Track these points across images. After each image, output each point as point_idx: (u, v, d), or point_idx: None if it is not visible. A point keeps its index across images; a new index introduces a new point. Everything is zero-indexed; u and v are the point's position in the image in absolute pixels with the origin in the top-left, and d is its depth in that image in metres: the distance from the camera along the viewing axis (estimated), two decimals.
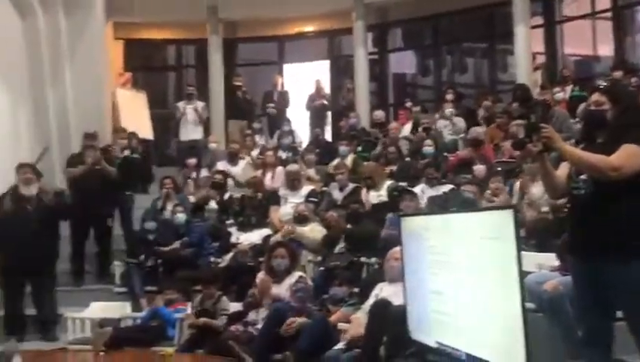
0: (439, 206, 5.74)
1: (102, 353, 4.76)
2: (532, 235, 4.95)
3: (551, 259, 4.16)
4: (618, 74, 7.86)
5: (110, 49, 10.31)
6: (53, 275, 6.11)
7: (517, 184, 5.65)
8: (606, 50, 9.79)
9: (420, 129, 8.46)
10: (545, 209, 5.10)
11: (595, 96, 2.70)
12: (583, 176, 2.61)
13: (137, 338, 5.01)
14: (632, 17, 9.87)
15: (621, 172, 2.45)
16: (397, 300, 3.94)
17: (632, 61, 9.14)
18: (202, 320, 4.88)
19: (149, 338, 5.11)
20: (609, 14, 9.63)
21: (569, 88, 8.13)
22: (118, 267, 6.80)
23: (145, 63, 11.95)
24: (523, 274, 2.41)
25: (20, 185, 5.89)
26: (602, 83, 6.52)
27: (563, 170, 2.77)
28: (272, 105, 9.86)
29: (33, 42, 8.46)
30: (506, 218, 2.39)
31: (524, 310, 2.33)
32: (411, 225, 3.43)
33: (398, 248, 4.08)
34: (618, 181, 2.48)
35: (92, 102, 9.14)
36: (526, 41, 9.29)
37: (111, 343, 4.79)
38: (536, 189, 5.32)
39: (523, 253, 4.46)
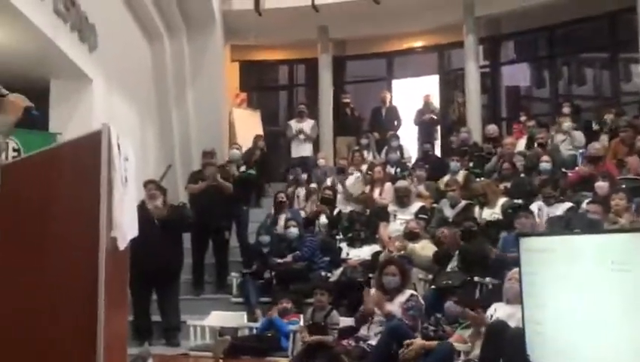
0: (560, 227, 5.49)
1: (221, 361, 5.01)
2: None
3: None
4: None
5: (227, 70, 10.88)
6: (177, 285, 6.51)
7: None
8: None
9: (535, 144, 8.15)
10: None
11: None
12: None
13: (254, 347, 5.22)
14: None
15: None
16: (513, 322, 3.84)
17: None
18: (315, 338, 4.98)
19: (264, 348, 5.31)
20: None
21: None
22: (235, 278, 7.12)
23: (258, 83, 12.46)
24: None
25: (146, 200, 6.34)
26: None
27: None
28: (393, 133, 9.79)
29: (159, 65, 9.11)
30: (636, 241, 2.27)
31: None
32: (531, 245, 3.33)
33: (517, 269, 3.97)
34: None
35: (211, 122, 9.68)
36: None
37: (229, 351, 5.02)
38: None
39: None
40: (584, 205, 5.85)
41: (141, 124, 8.44)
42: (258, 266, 6.80)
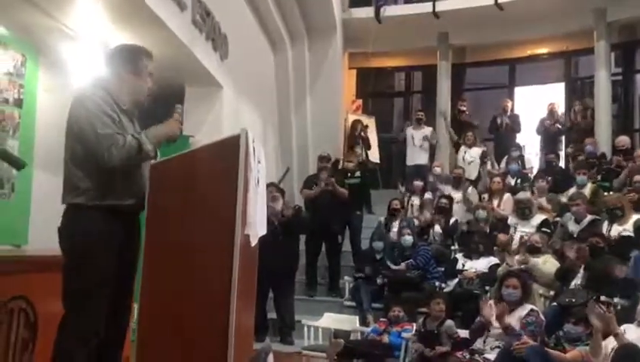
0: None
1: None
2: None
3: None
4: None
5: (345, 78, 11.07)
6: (293, 284, 6.72)
7: None
8: None
9: None
10: None
11: None
12: None
13: (367, 352, 5.26)
14: None
15: None
16: None
17: None
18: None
19: (377, 353, 5.33)
20: None
21: None
22: (347, 282, 7.21)
23: (374, 90, 12.55)
24: None
25: (267, 201, 6.60)
26: None
27: None
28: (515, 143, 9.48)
29: (282, 73, 9.47)
30: None
31: None
32: None
33: None
34: None
35: (328, 127, 9.91)
36: None
37: (343, 354, 5.10)
38: None
39: None
40: None
41: (264, 128, 8.81)
42: (371, 272, 6.84)
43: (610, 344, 3.92)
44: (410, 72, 12.46)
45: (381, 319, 5.96)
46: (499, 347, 4.66)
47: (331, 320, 6.02)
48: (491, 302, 5.10)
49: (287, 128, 9.64)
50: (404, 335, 5.45)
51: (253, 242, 2.82)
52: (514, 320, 4.85)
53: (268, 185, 6.72)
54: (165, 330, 2.66)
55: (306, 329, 5.99)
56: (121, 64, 2.83)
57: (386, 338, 5.53)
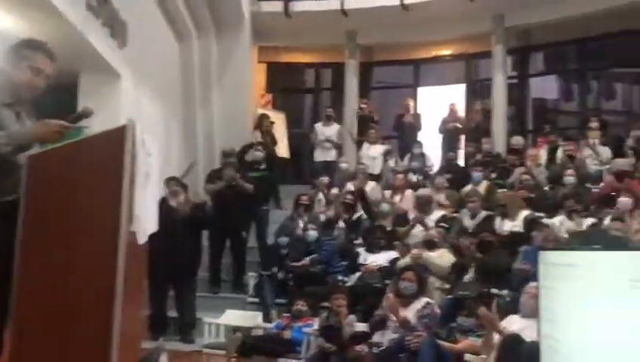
0: (582, 242, 5.42)
1: (233, 359, 5.04)
2: None
3: None
4: None
5: (254, 72, 10.96)
6: (194, 282, 6.57)
7: None
8: None
9: (559, 155, 8.05)
10: None
11: None
12: None
13: (267, 347, 5.23)
14: None
15: None
16: (528, 336, 3.80)
17: None
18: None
19: (277, 349, 5.32)
20: None
21: None
22: (252, 278, 7.15)
23: (284, 85, 12.52)
24: None
25: (168, 196, 6.42)
26: None
27: None
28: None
29: (187, 64, 9.23)
30: None
31: None
32: (550, 259, 3.28)
33: (535, 283, 3.93)
34: None
35: (236, 122, 9.76)
36: None
37: (243, 350, 5.05)
38: None
39: None
40: (607, 221, 5.76)
41: (166, 121, 8.54)
42: (275, 266, 6.82)
43: (497, 335, 4.11)
44: (319, 69, 12.53)
45: (284, 314, 5.96)
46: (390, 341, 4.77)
47: (233, 317, 5.94)
48: (390, 294, 5.23)
49: (193, 121, 9.41)
50: (305, 330, 5.47)
51: (142, 240, 2.70)
52: (411, 312, 4.99)
53: (169, 180, 6.54)
54: (41, 334, 2.49)
55: (207, 326, 5.89)
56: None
57: (288, 334, 5.53)
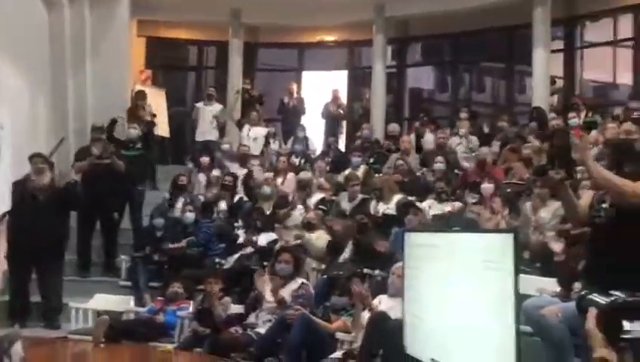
0: (442, 224, 5.76)
1: (101, 344, 4.82)
2: (536, 259, 4.95)
3: (552, 284, 4.17)
4: (635, 103, 7.84)
5: (132, 46, 10.45)
6: (60, 264, 6.19)
7: (525, 206, 5.64)
8: (626, 78, 9.76)
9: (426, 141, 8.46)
10: (551, 233, 5.10)
11: (626, 126, 2.76)
12: (604, 205, 2.64)
13: (138, 332, 5.07)
14: None
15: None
16: (395, 314, 3.98)
17: None
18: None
19: (149, 333, 5.17)
20: (630, 43, 9.60)
21: (583, 114, 8.09)
22: (124, 261, 6.87)
23: (165, 62, 12.08)
24: (519, 299, 2.42)
25: (32, 174, 5.98)
26: (634, 113, 6.48)
27: (586, 199, 2.80)
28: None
29: (57, 34, 8.59)
30: (506, 241, 2.41)
31: (518, 334, 2.34)
32: (414, 241, 3.45)
33: (401, 263, 4.12)
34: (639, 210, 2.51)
35: (111, 97, 9.24)
36: (544, 65, 9.29)
37: (111, 335, 4.85)
38: (545, 213, 5.32)
39: (525, 276, 4.54)
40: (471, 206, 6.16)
41: (32, 94, 7.92)
42: (150, 250, 6.60)
43: (367, 314, 4.26)
44: (203, 46, 12.23)
45: (158, 298, 5.80)
46: (270, 321, 4.81)
47: (103, 301, 5.70)
48: (266, 276, 5.26)
49: (63, 96, 8.79)
50: (179, 313, 5.36)
51: None
52: (287, 293, 5.05)
53: (33, 156, 6.09)
54: None
55: (74, 311, 5.59)
56: None
57: (161, 318, 5.39)
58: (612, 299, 1.49)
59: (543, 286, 4.21)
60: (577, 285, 3.68)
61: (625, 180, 2.54)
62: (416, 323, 3.32)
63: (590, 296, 1.57)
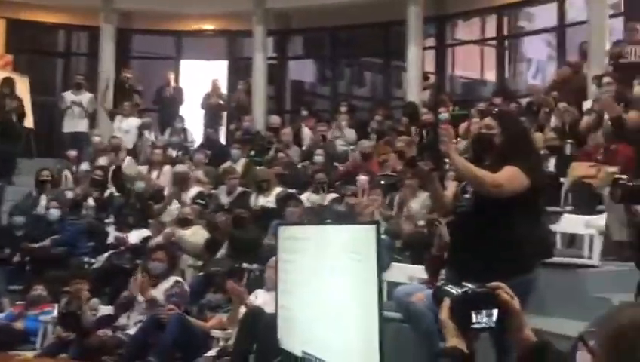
0: (317, 216, 5.82)
1: None
2: (407, 247, 5.12)
3: (422, 272, 4.33)
4: (498, 99, 8.39)
5: None
6: None
7: (397, 197, 5.83)
8: (491, 75, 10.42)
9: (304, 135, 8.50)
10: (421, 223, 5.30)
11: (487, 121, 2.87)
12: (467, 195, 2.73)
13: None
14: (516, 47, 10.59)
15: (501, 189, 2.61)
16: (271, 308, 3.94)
17: (512, 88, 9.80)
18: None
19: (7, 341, 4.76)
20: (494, 42, 10.26)
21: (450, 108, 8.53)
22: None
23: (29, 47, 11.17)
24: (382, 288, 2.47)
25: None
26: (494, 108, 6.90)
27: (451, 190, 2.89)
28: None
29: None
30: (369, 233, 2.45)
31: (382, 322, 2.39)
32: (288, 234, 3.43)
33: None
34: (498, 201, 2.62)
35: None
36: (417, 61, 9.65)
37: None
38: (415, 204, 5.53)
39: (397, 264, 4.70)
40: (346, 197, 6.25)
41: None
42: (8, 250, 6.08)
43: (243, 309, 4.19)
44: (72, 32, 11.45)
45: (18, 302, 5.36)
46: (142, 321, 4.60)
47: None
48: (139, 276, 5.02)
49: None
50: (42, 318, 4.99)
51: None
52: (160, 292, 4.86)
53: None
54: None
55: None
56: None
57: (20, 324, 4.99)
58: (463, 290, 1.53)
59: (413, 274, 4.38)
60: (444, 273, 3.84)
61: (484, 171, 2.66)
62: (288, 316, 3.31)
63: (445, 287, 1.60)
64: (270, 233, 5.93)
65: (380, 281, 2.34)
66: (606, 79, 6.26)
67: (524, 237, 2.74)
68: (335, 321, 2.76)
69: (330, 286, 2.81)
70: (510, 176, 2.64)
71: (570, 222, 4.70)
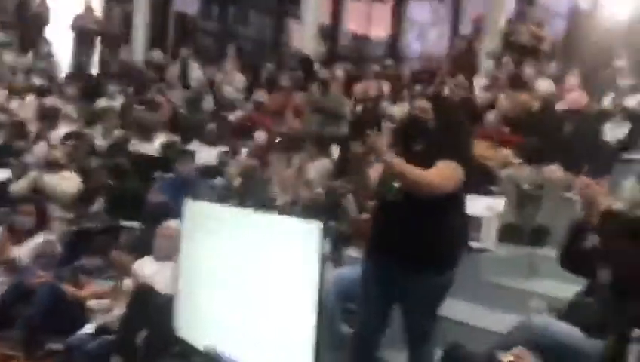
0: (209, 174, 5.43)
1: None
2: (307, 214, 4.90)
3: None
4: (389, 61, 8.32)
5: None
6: None
7: (295, 160, 5.55)
8: (383, 33, 10.32)
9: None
10: (319, 190, 5.11)
11: (422, 103, 2.65)
12: (396, 184, 2.53)
13: None
14: (408, 7, 10.53)
15: (435, 191, 2.44)
16: (160, 280, 3.55)
17: (404, 52, 9.81)
18: None
19: None
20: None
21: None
22: None
23: None
24: (322, 292, 2.25)
25: None
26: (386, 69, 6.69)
27: (375, 172, 2.67)
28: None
29: None
30: (313, 231, 2.20)
31: (320, 328, 2.18)
32: (199, 211, 3.05)
33: (172, 223, 3.67)
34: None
35: None
36: (314, 11, 9.24)
37: None
38: (314, 169, 5.31)
39: None
40: (243, 154, 5.87)
41: None
42: None
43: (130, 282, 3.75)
44: None
45: None
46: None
47: None
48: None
49: None
50: None
51: None
52: (24, 251, 4.24)
53: None
54: None
55: None
56: None
57: None
58: None
59: None
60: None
61: (420, 173, 2.45)
62: (192, 304, 2.97)
63: None
64: (155, 187, 5.40)
65: (322, 284, 2.12)
66: (505, 59, 6.37)
67: (455, 229, 2.65)
68: (263, 320, 2.49)
69: (260, 282, 2.52)
70: (448, 177, 2.48)
71: (469, 203, 4.73)
